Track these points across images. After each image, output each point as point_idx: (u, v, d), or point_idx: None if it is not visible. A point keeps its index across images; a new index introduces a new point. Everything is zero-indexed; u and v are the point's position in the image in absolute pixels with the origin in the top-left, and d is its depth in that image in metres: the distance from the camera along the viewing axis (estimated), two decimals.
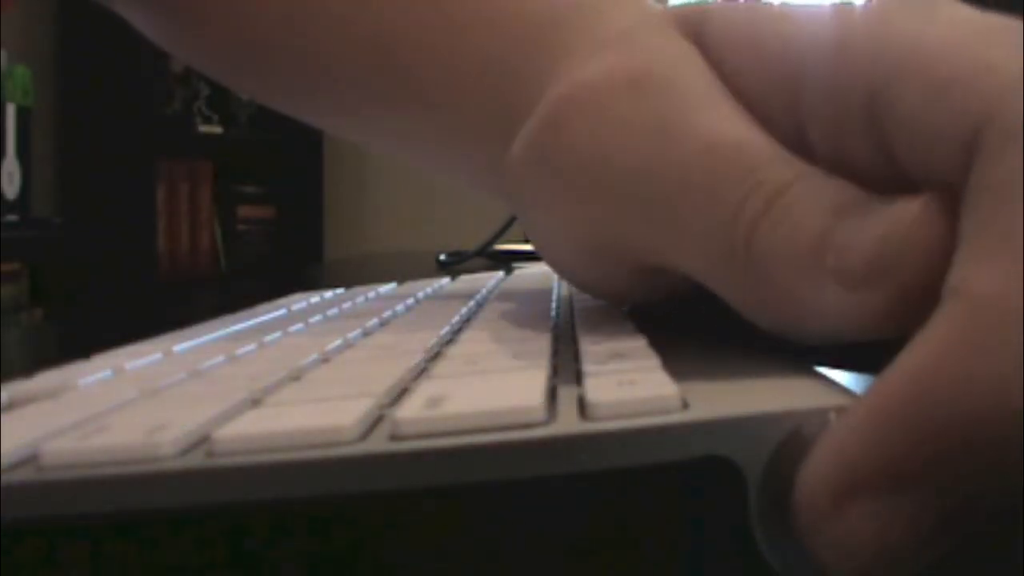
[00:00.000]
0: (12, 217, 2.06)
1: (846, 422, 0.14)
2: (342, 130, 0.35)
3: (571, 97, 0.22)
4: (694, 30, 0.22)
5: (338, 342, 0.25)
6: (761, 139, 0.20)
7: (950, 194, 0.16)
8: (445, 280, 0.46)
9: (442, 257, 0.88)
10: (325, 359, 0.23)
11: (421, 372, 0.20)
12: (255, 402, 0.18)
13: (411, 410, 0.15)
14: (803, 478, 0.14)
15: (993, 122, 0.15)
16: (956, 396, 0.13)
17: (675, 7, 0.24)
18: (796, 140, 0.20)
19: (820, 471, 0.14)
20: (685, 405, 0.15)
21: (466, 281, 0.45)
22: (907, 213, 0.16)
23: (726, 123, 0.20)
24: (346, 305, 0.37)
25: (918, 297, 0.16)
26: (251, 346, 0.26)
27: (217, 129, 2.59)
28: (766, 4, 0.22)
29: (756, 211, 0.18)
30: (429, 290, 0.41)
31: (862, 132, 0.18)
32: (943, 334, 0.14)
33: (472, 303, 0.34)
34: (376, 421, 0.16)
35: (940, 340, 0.14)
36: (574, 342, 0.22)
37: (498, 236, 0.88)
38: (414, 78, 0.29)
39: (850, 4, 0.20)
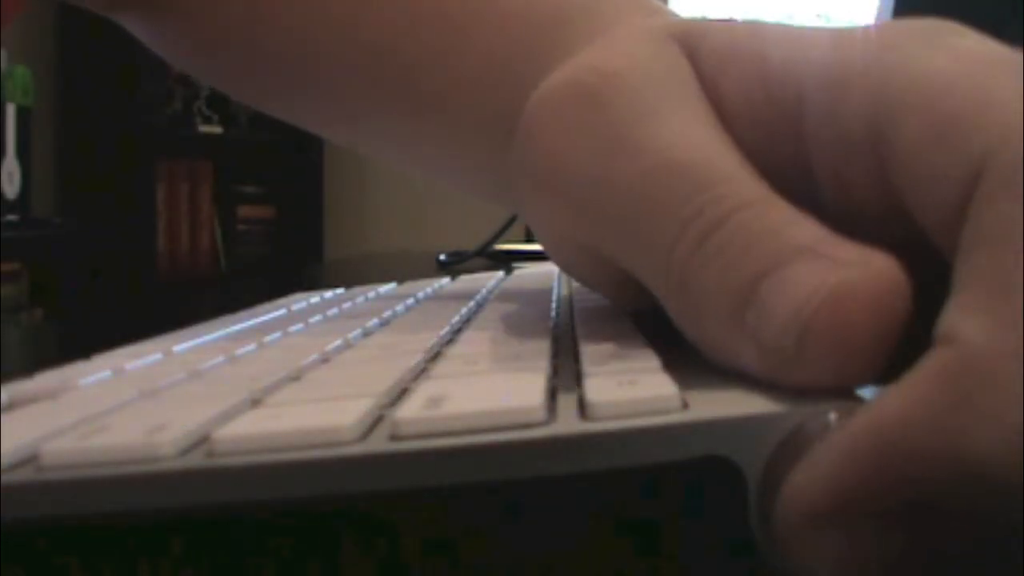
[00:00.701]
0: (12, 217, 2.06)
1: (831, 444, 0.13)
2: (342, 136, 0.35)
3: (540, 102, 0.22)
4: (692, 43, 0.22)
5: (338, 342, 0.25)
6: (718, 157, 0.19)
7: (909, 259, 0.16)
8: (445, 280, 0.46)
9: (442, 257, 0.88)
10: (325, 359, 0.23)
11: (421, 372, 0.20)
12: (255, 402, 0.18)
13: (411, 410, 0.15)
14: (784, 491, 0.13)
15: (993, 163, 0.15)
16: (944, 443, 0.13)
17: (680, 19, 0.23)
18: (796, 165, 0.19)
19: (799, 488, 0.13)
20: (685, 405, 0.15)
21: (466, 281, 0.45)
22: (836, 277, 0.16)
23: (681, 139, 0.19)
24: (346, 305, 0.37)
25: (835, 370, 0.15)
26: (251, 346, 0.26)
27: (217, 129, 2.59)
28: (768, 25, 0.21)
29: (692, 242, 0.18)
30: (429, 290, 0.41)
31: (863, 161, 0.18)
32: (933, 380, 0.13)
33: (472, 303, 0.34)
34: (376, 421, 0.16)
35: (930, 386, 0.13)
36: (574, 342, 0.22)
37: (498, 236, 0.88)
38: (416, 81, 0.29)
39: (852, 29, 0.19)
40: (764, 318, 0.16)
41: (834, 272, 0.16)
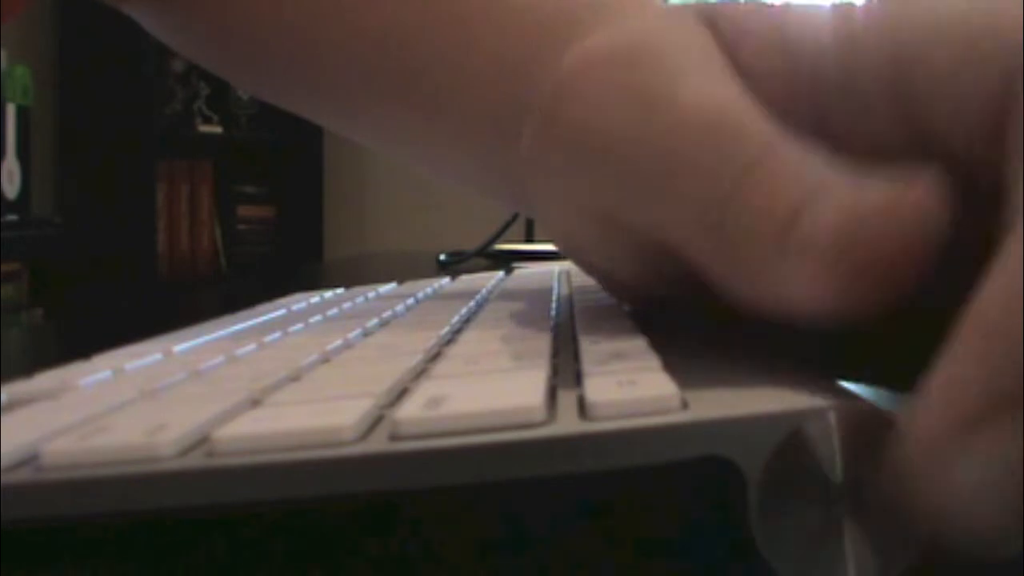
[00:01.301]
0: (12, 217, 2.06)
1: (950, 355, 0.13)
2: (347, 128, 0.35)
3: (572, 69, 0.23)
4: (710, 18, 0.22)
5: (338, 342, 0.25)
6: (749, 107, 0.20)
7: (949, 179, 0.16)
8: (445, 280, 0.46)
9: (442, 257, 0.88)
10: (325, 359, 0.23)
11: (421, 372, 0.20)
12: (255, 402, 0.18)
13: (411, 410, 0.15)
14: (911, 427, 0.13)
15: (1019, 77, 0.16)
16: None
17: (689, 4, 0.24)
18: (814, 124, 0.20)
19: (934, 410, 0.13)
20: (685, 405, 0.15)
21: (466, 281, 0.45)
22: (881, 190, 0.16)
23: (714, 90, 0.20)
24: (346, 305, 0.37)
25: (881, 281, 0.16)
26: (251, 346, 0.26)
27: (217, 129, 2.59)
28: (778, 3, 0.22)
29: (733, 179, 0.18)
30: (429, 290, 0.41)
31: (883, 105, 0.18)
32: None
33: (472, 303, 0.34)
34: (376, 421, 0.16)
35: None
36: (574, 342, 0.22)
37: (498, 236, 0.88)
38: (423, 77, 0.29)
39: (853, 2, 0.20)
40: (814, 225, 0.17)
41: (875, 191, 0.16)
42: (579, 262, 0.25)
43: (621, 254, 0.23)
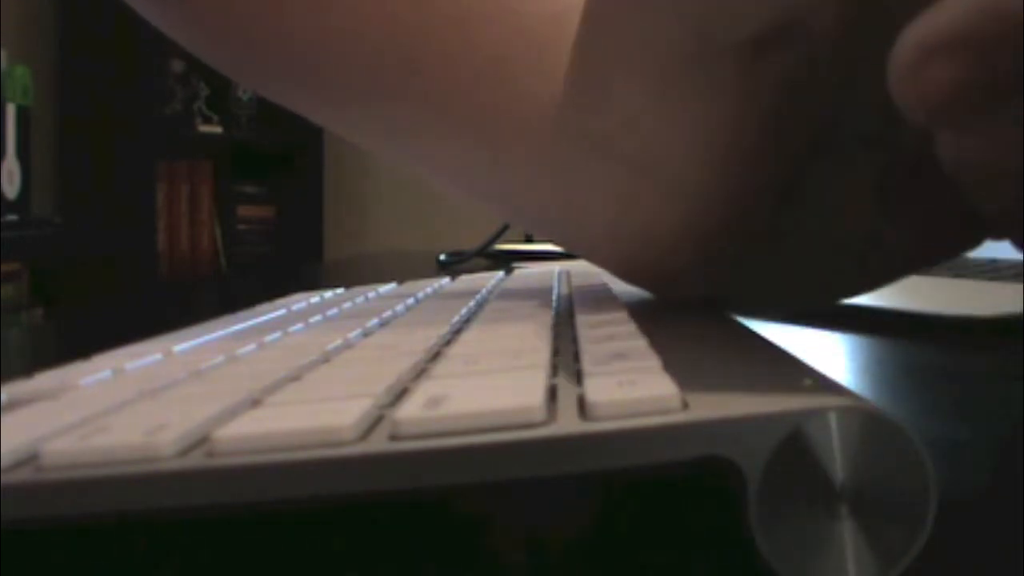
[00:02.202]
0: (12, 217, 2.06)
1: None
2: (344, 127, 0.34)
3: None
4: None
5: (338, 342, 0.25)
6: None
7: None
8: (445, 280, 0.46)
9: (442, 257, 0.88)
10: (325, 359, 0.23)
11: (421, 372, 0.20)
12: (255, 402, 0.18)
13: (411, 410, 0.15)
14: (900, 40, 0.15)
15: None
16: None
17: None
18: None
19: (913, 31, 0.15)
20: (685, 405, 0.15)
21: (466, 281, 0.45)
22: None
23: None
24: (346, 305, 0.37)
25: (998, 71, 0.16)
26: (251, 346, 0.26)
27: (217, 129, 2.59)
28: None
29: None
30: (429, 290, 0.41)
31: None
32: None
33: (472, 303, 0.34)
34: (376, 421, 0.16)
35: None
36: (574, 342, 0.22)
37: (498, 236, 0.88)
38: (421, 70, 0.29)
39: None
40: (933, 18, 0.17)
41: None
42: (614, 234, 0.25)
43: (713, 99, 0.22)
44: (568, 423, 0.15)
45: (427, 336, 0.25)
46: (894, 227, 0.23)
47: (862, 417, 0.14)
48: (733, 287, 0.26)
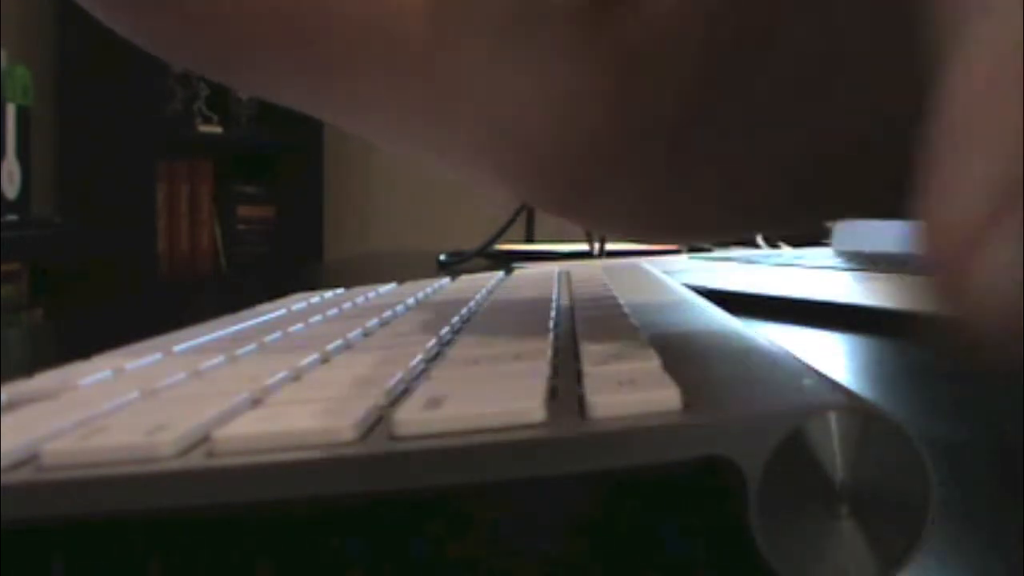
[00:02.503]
0: (12, 217, 2.06)
1: (940, 156, 0.12)
2: (287, 101, 0.33)
3: None
4: None
5: (338, 342, 0.25)
6: None
7: None
8: (445, 280, 0.46)
9: (442, 257, 0.88)
10: (325, 359, 0.23)
11: (421, 372, 0.20)
12: (255, 402, 0.18)
13: (411, 411, 0.15)
14: (926, 235, 0.12)
15: None
16: None
17: None
18: None
19: (948, 210, 0.12)
20: (685, 405, 0.15)
21: (466, 281, 0.45)
22: None
23: None
24: (346, 305, 0.37)
25: None
26: (251, 346, 0.26)
27: (217, 129, 2.59)
28: None
29: None
30: (429, 290, 0.41)
31: None
32: (986, 44, 0.12)
33: (472, 303, 0.34)
34: (376, 421, 0.16)
35: (988, 49, 0.12)
36: (574, 342, 0.22)
37: (498, 236, 0.88)
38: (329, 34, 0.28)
39: None
40: None
41: None
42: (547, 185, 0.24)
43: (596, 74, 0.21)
44: (568, 423, 0.15)
45: (427, 336, 0.25)
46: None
47: (862, 417, 0.14)
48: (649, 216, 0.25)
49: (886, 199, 0.22)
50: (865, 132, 0.21)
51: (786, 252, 0.84)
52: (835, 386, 0.16)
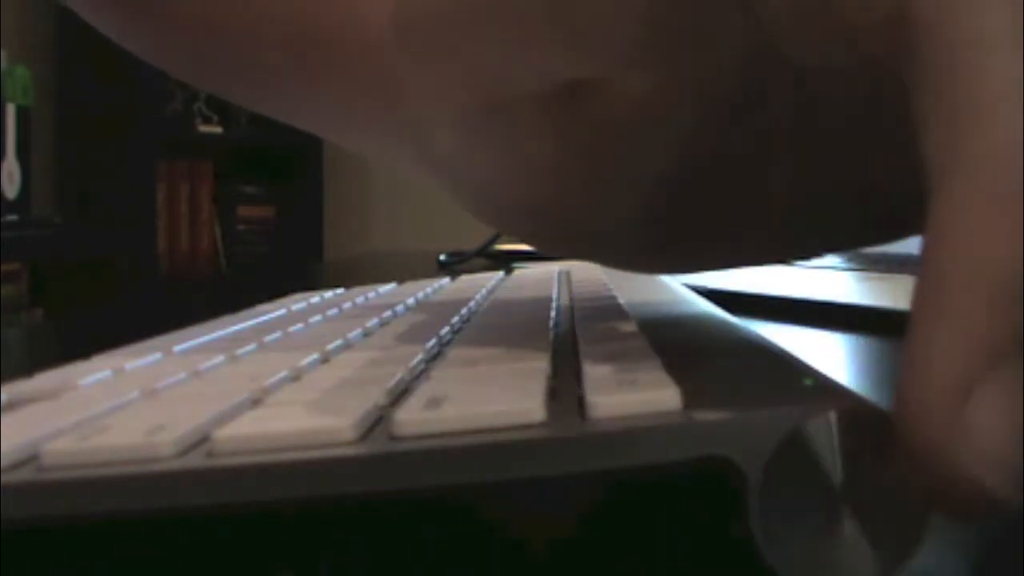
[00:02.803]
0: (12, 217, 2.06)
1: (920, 324, 0.13)
2: (286, 115, 0.33)
3: None
4: None
5: (338, 342, 0.25)
6: None
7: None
8: (445, 280, 0.46)
9: (442, 257, 0.88)
10: (325, 359, 0.23)
11: (421, 372, 0.20)
12: (255, 402, 0.18)
13: (411, 411, 0.15)
14: (904, 408, 0.12)
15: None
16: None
17: None
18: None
19: (924, 384, 0.12)
20: (685, 405, 0.15)
21: (466, 281, 0.45)
22: None
23: None
24: (346, 305, 0.37)
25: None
26: (251, 346, 0.26)
27: (217, 129, 2.59)
28: None
29: None
30: (429, 290, 0.41)
31: None
32: (975, 201, 0.12)
33: (472, 303, 0.34)
34: (376, 421, 0.16)
35: (976, 208, 0.12)
36: (574, 342, 0.22)
37: (498, 236, 0.88)
38: (315, 47, 0.28)
39: None
40: None
41: None
42: (483, 199, 0.24)
43: (532, 121, 0.21)
44: (568, 423, 0.15)
45: (427, 336, 0.25)
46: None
47: (862, 417, 0.14)
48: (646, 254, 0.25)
49: (879, 233, 0.23)
50: (844, 180, 0.21)
51: None
52: (835, 386, 0.16)
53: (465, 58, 0.21)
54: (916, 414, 0.12)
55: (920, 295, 0.13)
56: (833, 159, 0.21)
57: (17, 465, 0.15)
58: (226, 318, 0.34)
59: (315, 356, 0.23)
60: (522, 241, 0.25)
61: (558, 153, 0.21)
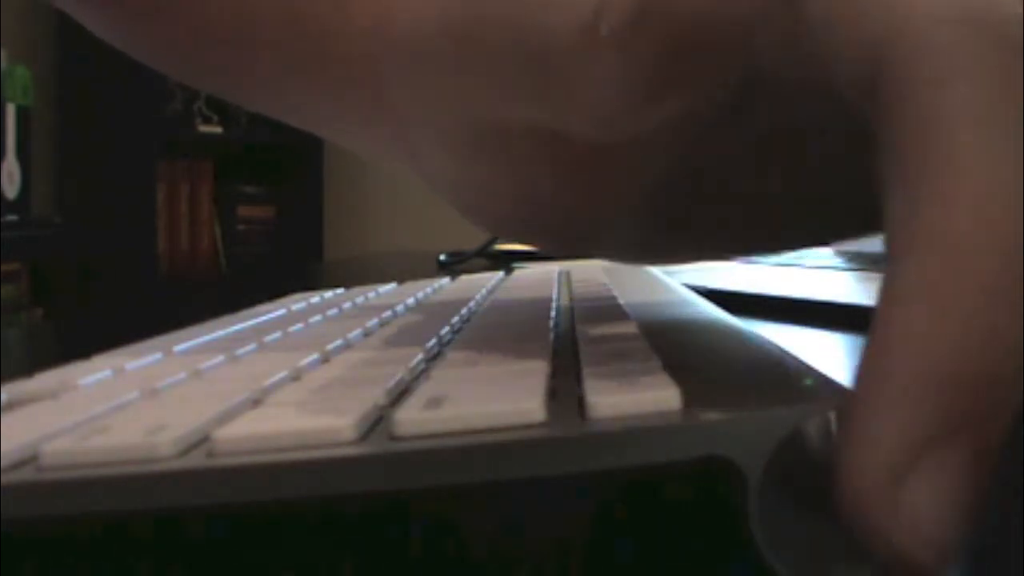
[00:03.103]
0: (12, 217, 2.06)
1: (863, 398, 0.13)
2: (280, 112, 0.33)
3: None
4: None
5: (338, 342, 0.25)
6: None
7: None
8: (445, 280, 0.46)
9: (442, 257, 0.88)
10: (325, 359, 0.23)
11: (421, 372, 0.20)
12: (255, 402, 0.18)
13: (411, 410, 0.15)
14: (850, 471, 0.13)
15: (896, 40, 0.14)
16: (976, 345, 0.12)
17: None
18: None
19: (862, 462, 0.13)
20: (685, 405, 0.15)
21: (466, 281, 0.45)
22: None
23: None
24: (346, 305, 0.37)
25: (688, 55, 0.15)
26: (251, 346, 0.26)
27: (217, 129, 2.59)
28: None
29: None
30: (429, 290, 0.41)
31: (777, 28, 0.16)
32: (924, 284, 0.13)
33: (472, 303, 0.34)
34: (376, 421, 0.16)
35: (924, 293, 0.13)
36: (574, 342, 0.22)
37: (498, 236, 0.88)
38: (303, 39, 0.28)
39: None
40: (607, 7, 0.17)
41: None
42: (471, 209, 0.24)
43: (510, 160, 0.21)
44: (568, 423, 0.15)
45: (427, 336, 0.25)
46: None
47: None
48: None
49: (872, 225, 0.23)
50: (832, 183, 0.22)
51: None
52: (835, 386, 0.16)
53: (450, 90, 0.21)
54: (856, 490, 0.13)
55: (864, 371, 0.13)
56: (832, 155, 0.21)
57: (17, 465, 0.15)
58: (226, 318, 0.34)
59: (315, 356, 0.23)
60: (517, 241, 0.25)
61: (551, 172, 0.21)
